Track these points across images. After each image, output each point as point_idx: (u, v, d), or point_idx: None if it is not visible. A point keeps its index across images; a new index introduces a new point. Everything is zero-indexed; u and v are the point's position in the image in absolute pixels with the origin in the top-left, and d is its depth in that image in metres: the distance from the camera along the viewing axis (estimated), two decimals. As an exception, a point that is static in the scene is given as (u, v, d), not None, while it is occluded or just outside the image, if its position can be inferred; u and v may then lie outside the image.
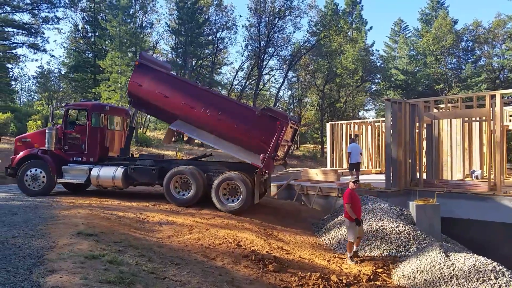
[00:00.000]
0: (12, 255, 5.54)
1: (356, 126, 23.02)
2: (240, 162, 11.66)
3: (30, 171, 11.86)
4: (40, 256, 5.52)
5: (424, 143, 15.02)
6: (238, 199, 11.07)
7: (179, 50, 42.30)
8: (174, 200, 11.36)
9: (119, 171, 11.61)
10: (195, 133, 11.69)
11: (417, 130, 13.86)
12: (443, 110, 16.57)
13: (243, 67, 47.60)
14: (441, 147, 15.38)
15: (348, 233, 9.01)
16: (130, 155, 13.09)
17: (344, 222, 9.34)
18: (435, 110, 15.71)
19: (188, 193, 11.31)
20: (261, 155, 10.63)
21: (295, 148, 49.11)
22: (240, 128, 11.10)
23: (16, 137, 13.60)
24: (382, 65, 50.95)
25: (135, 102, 12.42)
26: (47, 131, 11.92)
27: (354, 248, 9.07)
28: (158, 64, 13.02)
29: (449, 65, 49.04)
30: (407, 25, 62.40)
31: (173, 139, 13.16)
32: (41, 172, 11.85)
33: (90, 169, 11.80)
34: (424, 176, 14.09)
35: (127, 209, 10.04)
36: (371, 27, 70.63)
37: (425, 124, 14.69)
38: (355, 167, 15.90)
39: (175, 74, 12.66)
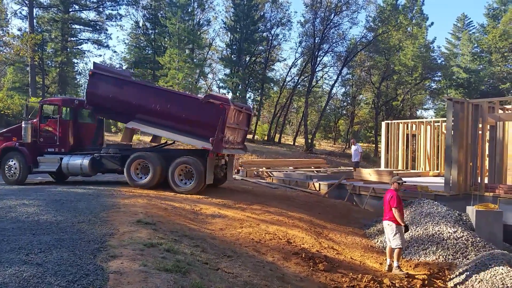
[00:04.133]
0: (78, 239, 5.90)
1: (414, 125, 22.22)
2: (195, 148, 12.36)
3: (8, 161, 12.99)
4: (103, 242, 5.84)
5: (487, 146, 14.23)
6: (191, 181, 11.72)
7: (234, 47, 42.78)
8: (133, 182, 12.07)
9: (86, 159, 12.49)
10: (150, 129, 12.47)
11: (479, 132, 13.18)
12: (509, 111, 15.61)
13: (296, 63, 47.07)
14: (506, 151, 14.45)
15: (396, 238, 8.15)
16: (100, 145, 13.90)
17: (387, 227, 8.36)
18: (500, 111, 14.81)
19: (147, 176, 11.97)
20: (210, 138, 11.31)
21: (347, 146, 48.27)
22: (189, 117, 11.79)
23: None
24: (443, 63, 48.50)
25: (95, 109, 13.24)
26: (23, 125, 12.92)
27: (395, 262, 8.15)
28: (112, 71, 13.88)
29: (517, 63, 45.85)
30: (471, 21, 58.87)
31: (133, 137, 14.34)
32: (14, 164, 12.93)
33: (61, 159, 12.72)
34: (486, 180, 13.37)
35: (182, 201, 10.39)
36: (432, 23, 66.82)
37: (488, 126, 13.92)
38: (357, 165, 18.31)
39: (127, 77, 13.54)
